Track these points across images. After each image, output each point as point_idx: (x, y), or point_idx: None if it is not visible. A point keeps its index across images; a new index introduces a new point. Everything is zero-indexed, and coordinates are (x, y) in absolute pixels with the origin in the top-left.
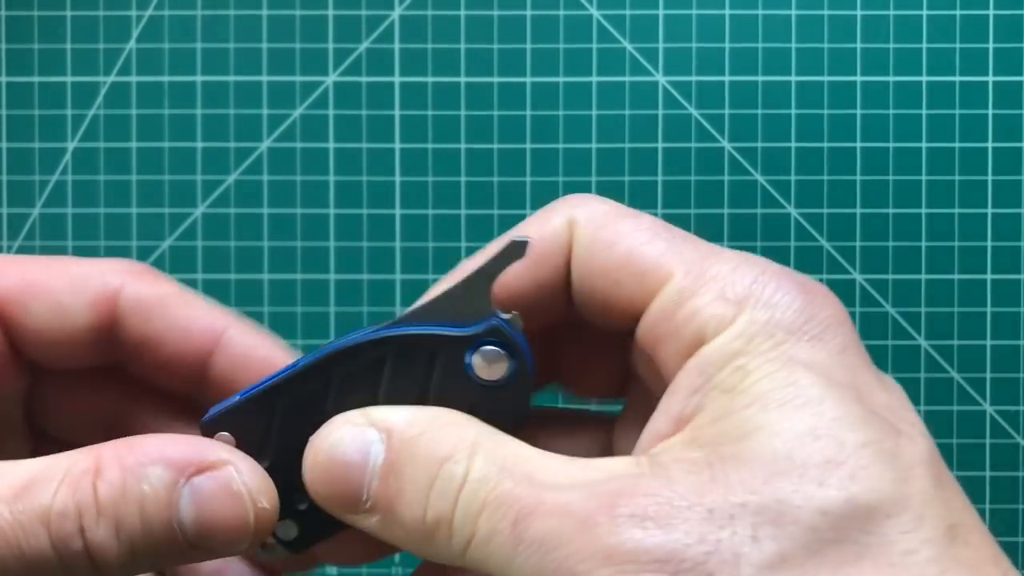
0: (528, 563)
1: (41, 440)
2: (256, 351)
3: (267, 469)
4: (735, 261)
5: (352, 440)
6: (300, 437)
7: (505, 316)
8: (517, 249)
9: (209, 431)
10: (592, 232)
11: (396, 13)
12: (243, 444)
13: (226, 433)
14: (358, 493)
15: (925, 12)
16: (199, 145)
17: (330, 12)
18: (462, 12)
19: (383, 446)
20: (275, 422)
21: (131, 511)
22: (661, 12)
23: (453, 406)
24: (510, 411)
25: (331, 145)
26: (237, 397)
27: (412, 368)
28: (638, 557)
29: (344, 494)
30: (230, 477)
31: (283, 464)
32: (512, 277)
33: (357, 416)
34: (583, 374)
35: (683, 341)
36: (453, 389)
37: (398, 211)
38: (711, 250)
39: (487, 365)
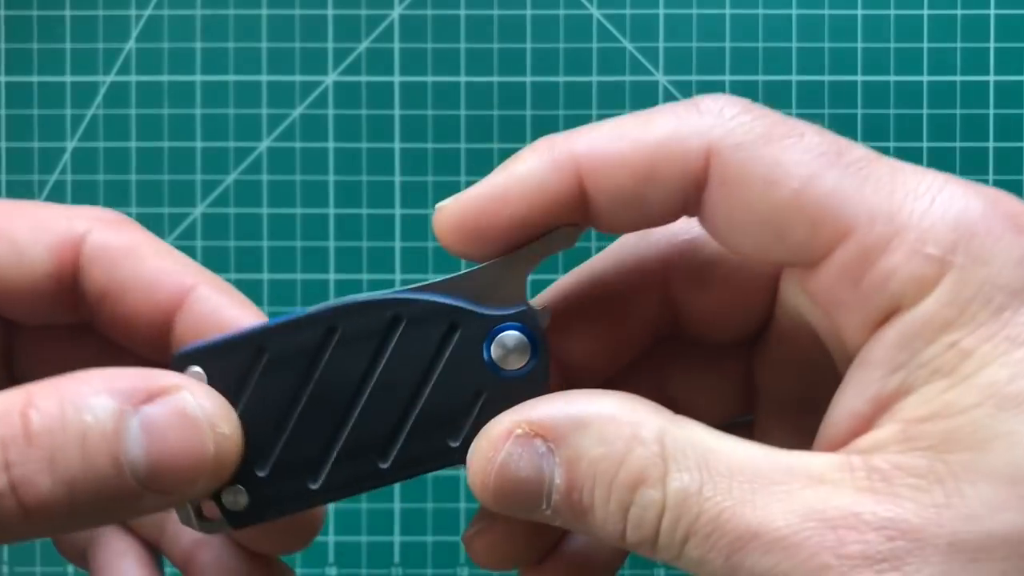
0: None
1: None
2: (225, 310)
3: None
4: (929, 196)
5: (520, 455)
6: (283, 392)
7: (534, 305)
8: (566, 237)
9: (181, 365)
10: (744, 163)
11: (396, 12)
12: (215, 385)
13: (198, 369)
14: (536, 505)
15: (926, 12)
16: (198, 145)
17: (330, 12)
18: (462, 11)
19: (558, 463)
20: (258, 369)
21: (69, 443)
22: (661, 11)
23: (458, 387)
24: (519, 402)
25: (331, 145)
26: (221, 336)
27: (425, 338)
28: None
29: (520, 508)
30: (183, 401)
31: (255, 418)
32: (612, 198)
33: (519, 423)
34: (698, 397)
35: (874, 309)
36: (463, 369)
37: (398, 211)
38: (897, 182)
39: (507, 352)
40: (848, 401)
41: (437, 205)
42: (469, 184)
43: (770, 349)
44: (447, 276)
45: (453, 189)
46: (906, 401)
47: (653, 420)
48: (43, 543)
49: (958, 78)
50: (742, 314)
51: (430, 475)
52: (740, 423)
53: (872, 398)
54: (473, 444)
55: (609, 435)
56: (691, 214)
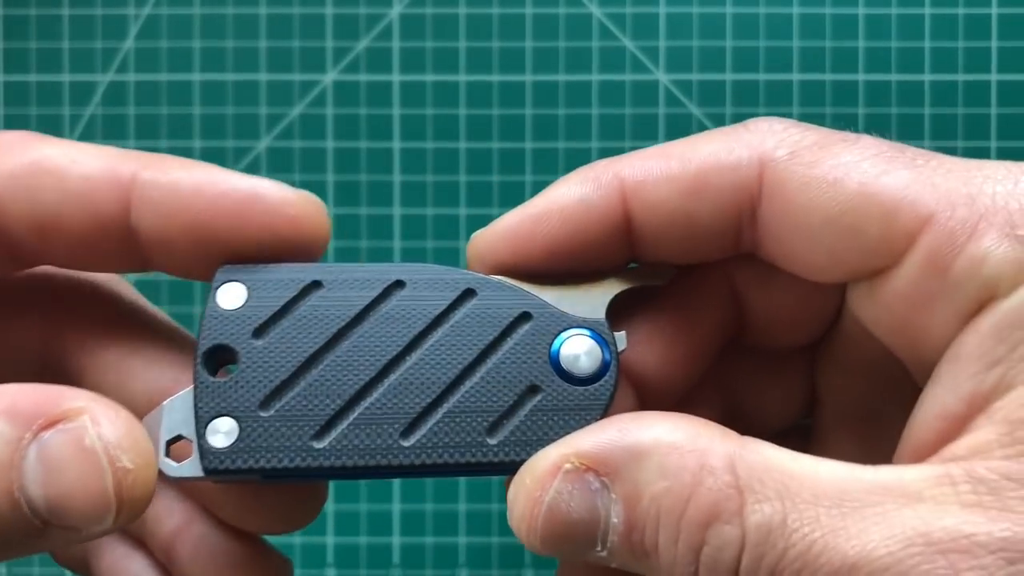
0: None
1: None
2: (183, 184)
3: (260, 347)
4: (1010, 179)
5: (571, 493)
6: (323, 333)
7: (618, 332)
8: (662, 273)
9: (224, 276)
10: (803, 168)
11: (395, 11)
12: (252, 307)
13: (240, 284)
14: (591, 547)
15: (928, 10)
16: (197, 144)
17: (328, 10)
18: (461, 10)
19: (615, 499)
20: (306, 302)
21: None
22: (662, 10)
23: (513, 378)
24: (574, 414)
25: (329, 144)
26: (277, 264)
27: (494, 318)
28: None
29: (572, 551)
30: (82, 429)
31: (281, 352)
32: (661, 219)
33: (567, 457)
34: (760, 400)
35: (966, 298)
36: (524, 361)
37: (397, 210)
38: (971, 169)
39: (576, 355)
40: (938, 401)
41: (473, 235)
42: (468, 184)
43: (834, 354)
44: (532, 281)
45: (452, 189)
46: (1007, 398)
47: (720, 446)
48: None
49: (960, 77)
50: (807, 318)
51: None
52: (796, 426)
53: (967, 396)
54: (514, 482)
55: (672, 466)
56: (744, 242)
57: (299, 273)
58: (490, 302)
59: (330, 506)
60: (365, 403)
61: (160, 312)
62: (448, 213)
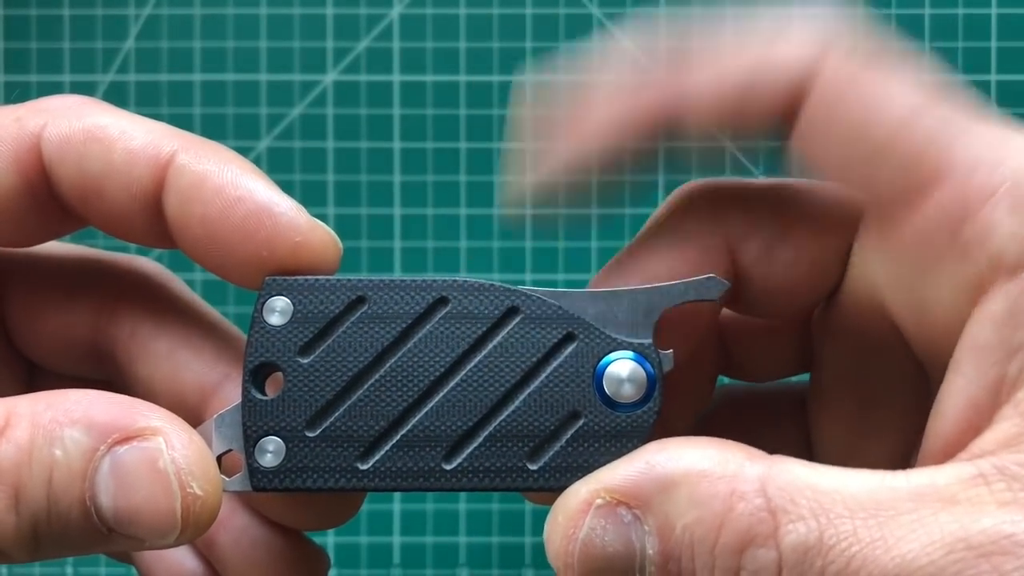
0: None
1: (32, 370)
2: (212, 178)
3: (306, 365)
4: None
5: (605, 528)
6: (367, 352)
7: (664, 352)
8: (713, 288)
9: (270, 290)
10: (847, 87)
11: (395, 12)
12: (297, 322)
13: (285, 299)
14: None
15: (927, 11)
16: None
17: (329, 11)
18: (461, 11)
19: (648, 531)
20: (350, 320)
21: (36, 480)
22: (662, 10)
23: (556, 403)
24: (615, 441)
25: (330, 144)
26: (323, 276)
27: (537, 339)
28: None
29: None
30: (157, 451)
31: (326, 371)
32: (710, 125)
33: (597, 493)
34: (755, 355)
35: (971, 267)
36: (567, 385)
37: (397, 210)
38: (1001, 136)
39: (620, 380)
40: (963, 391)
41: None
42: (468, 184)
43: (834, 320)
44: (570, 290)
45: (453, 189)
46: None
47: (750, 469)
48: None
49: (960, 77)
50: (808, 290)
51: None
52: (795, 389)
53: (991, 385)
54: (548, 520)
55: (703, 495)
56: (787, 128)
57: (343, 289)
58: (533, 322)
59: None
60: (408, 424)
61: (209, 307)
62: (448, 213)
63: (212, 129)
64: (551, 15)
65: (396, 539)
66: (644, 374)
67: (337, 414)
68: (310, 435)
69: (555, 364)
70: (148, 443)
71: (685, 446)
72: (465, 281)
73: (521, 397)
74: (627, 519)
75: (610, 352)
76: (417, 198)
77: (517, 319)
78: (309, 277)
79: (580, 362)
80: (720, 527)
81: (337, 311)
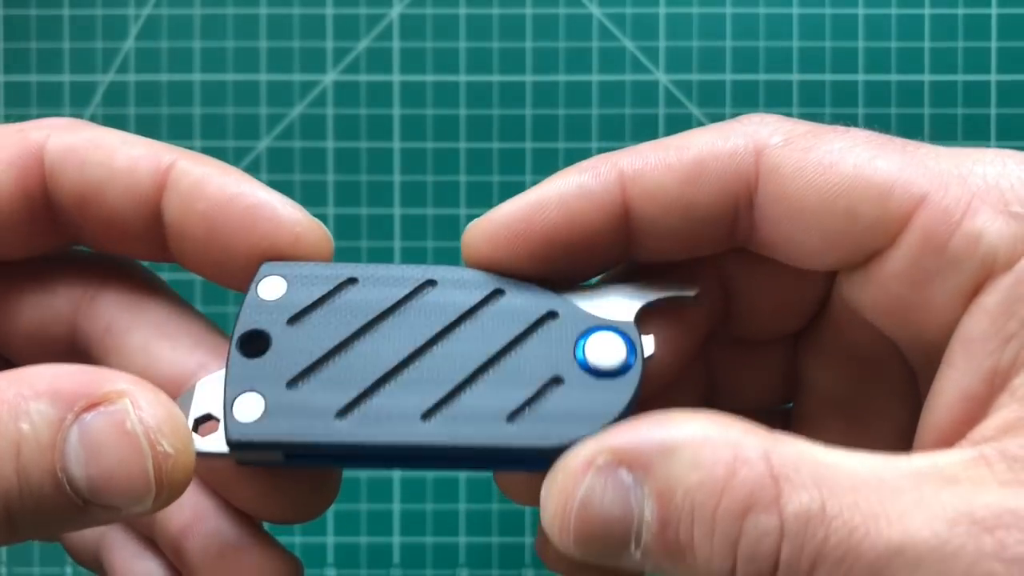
0: None
1: (7, 367)
2: (212, 179)
3: (294, 331)
4: (998, 161)
5: (604, 491)
6: (356, 321)
7: (645, 336)
8: (690, 287)
9: (266, 271)
10: (798, 154)
11: (395, 11)
12: (290, 298)
13: (280, 278)
14: (625, 545)
15: (928, 11)
16: (197, 144)
17: (328, 11)
18: (461, 10)
19: (648, 495)
20: (343, 294)
21: (4, 456)
22: (662, 10)
23: (537, 368)
24: (596, 405)
25: (330, 144)
26: (317, 263)
27: (520, 315)
28: None
29: (606, 551)
30: (124, 412)
31: (313, 335)
32: (659, 207)
33: (599, 452)
34: (740, 382)
35: (965, 274)
36: (548, 353)
37: (397, 210)
38: (960, 154)
39: (603, 350)
40: (957, 383)
41: (468, 225)
42: (468, 184)
43: (819, 342)
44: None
45: (453, 189)
46: None
47: (754, 439)
48: (42, 544)
49: (960, 77)
50: (794, 307)
51: (430, 475)
52: (779, 413)
53: (986, 375)
54: (546, 481)
55: (706, 459)
56: (739, 233)
57: (337, 270)
58: (518, 300)
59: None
60: (388, 387)
61: (184, 301)
62: (448, 213)
63: (212, 129)
64: (551, 15)
65: (396, 539)
66: (624, 345)
67: (320, 375)
68: (291, 391)
69: (538, 337)
70: (115, 406)
71: (690, 415)
72: (458, 268)
73: (502, 364)
74: (627, 481)
75: (593, 328)
76: (417, 198)
77: (502, 298)
78: (306, 262)
79: (562, 334)
80: (722, 492)
81: (329, 288)
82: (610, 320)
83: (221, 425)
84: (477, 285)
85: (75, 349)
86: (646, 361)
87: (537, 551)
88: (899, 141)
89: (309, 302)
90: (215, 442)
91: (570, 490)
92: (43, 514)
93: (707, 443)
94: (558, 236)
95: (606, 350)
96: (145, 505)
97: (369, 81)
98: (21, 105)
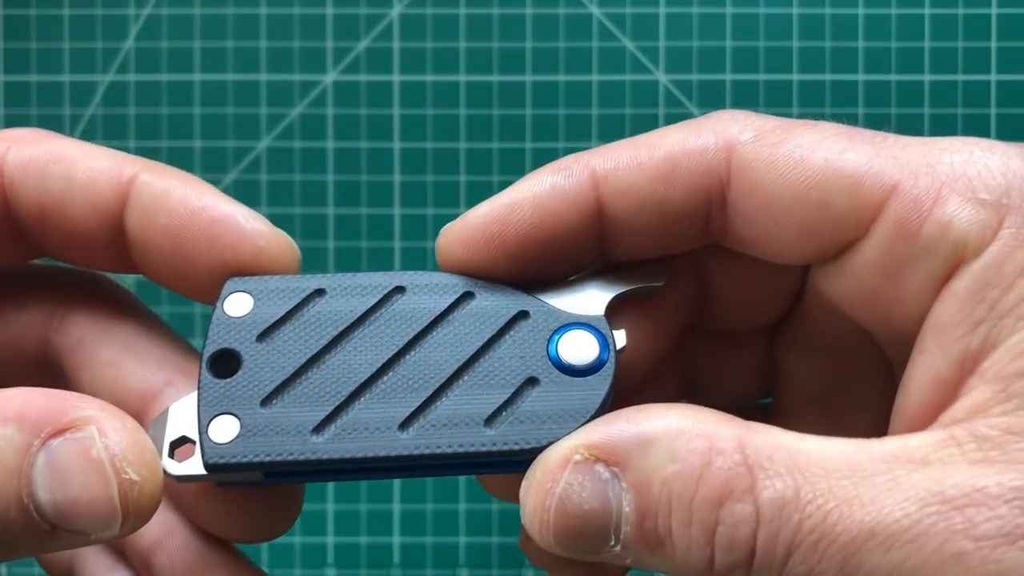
0: None
1: None
2: (175, 192)
3: (264, 349)
4: (965, 149)
5: (582, 487)
6: (326, 334)
7: (617, 331)
8: (658, 275)
9: (232, 287)
10: (768, 149)
11: (395, 11)
12: (257, 314)
13: (246, 294)
14: (605, 540)
15: (928, 11)
16: (197, 144)
17: (328, 11)
18: (461, 10)
19: (626, 488)
20: (311, 307)
21: None
22: (662, 10)
23: (512, 370)
24: (572, 404)
25: (330, 144)
26: (282, 276)
27: (492, 317)
28: None
29: (586, 546)
30: (90, 439)
31: (283, 352)
32: (631, 205)
33: (576, 448)
34: (719, 377)
35: (937, 262)
36: (522, 354)
37: (397, 210)
38: (928, 143)
39: (574, 346)
40: (928, 368)
41: (442, 229)
42: (468, 184)
43: (795, 334)
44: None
45: (452, 189)
46: (994, 356)
47: (728, 429)
48: None
49: (960, 77)
50: (770, 300)
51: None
52: (758, 407)
53: (956, 360)
54: (525, 478)
55: (681, 450)
56: (713, 230)
57: (303, 282)
58: (488, 302)
59: (330, 506)
60: (363, 399)
61: (154, 315)
62: (448, 213)
63: (212, 129)
64: (551, 15)
65: (396, 539)
66: (596, 341)
67: (293, 392)
68: (265, 411)
69: (510, 338)
70: (81, 433)
71: (664, 409)
72: (426, 272)
73: (477, 369)
74: (604, 476)
75: (564, 326)
76: (417, 198)
77: (472, 301)
78: (271, 276)
79: (535, 334)
80: (698, 482)
81: (296, 302)
82: (581, 316)
83: (198, 448)
84: (446, 289)
85: (46, 361)
86: (619, 354)
87: (521, 547)
88: (868, 133)
89: (277, 317)
90: (193, 465)
91: (548, 487)
92: (9, 538)
93: (682, 435)
94: (533, 237)
95: (579, 348)
96: (112, 531)
97: (369, 81)
98: (21, 105)
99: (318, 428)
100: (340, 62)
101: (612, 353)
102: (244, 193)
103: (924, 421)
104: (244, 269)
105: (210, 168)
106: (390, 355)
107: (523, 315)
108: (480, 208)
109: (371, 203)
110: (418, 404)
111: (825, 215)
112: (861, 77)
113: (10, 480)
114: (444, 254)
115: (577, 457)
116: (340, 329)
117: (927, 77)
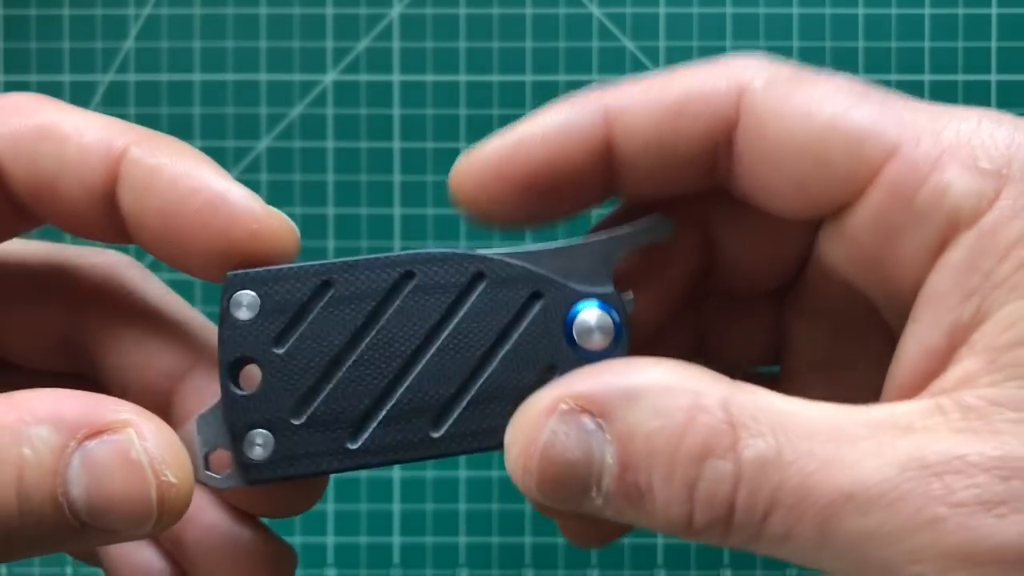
0: (840, 562)
1: (2, 367)
2: (165, 170)
3: (282, 355)
4: (974, 118)
5: (567, 436)
6: (342, 334)
7: (625, 295)
8: (660, 228)
9: (234, 285)
10: (778, 98)
11: (395, 11)
12: (266, 314)
13: (251, 292)
14: (587, 491)
15: (928, 11)
16: (197, 144)
17: (328, 10)
18: (461, 10)
19: (609, 440)
20: (319, 304)
21: (6, 479)
22: (662, 10)
23: (531, 359)
24: None
25: (330, 144)
26: (285, 265)
27: (505, 301)
28: (1005, 556)
29: (568, 496)
30: (128, 442)
31: (303, 358)
32: (641, 142)
33: (562, 398)
34: (729, 341)
35: (931, 228)
36: (539, 341)
37: (397, 210)
38: (937, 110)
39: (590, 330)
40: (919, 339)
41: (456, 163)
42: None
43: (802, 300)
44: (529, 247)
45: None
46: (985, 327)
47: (714, 387)
48: None
49: (960, 77)
50: (777, 262)
51: (429, 475)
52: (766, 375)
53: (947, 330)
54: (511, 425)
55: (666, 405)
56: (719, 173)
57: (307, 274)
58: (500, 285)
59: (330, 506)
60: (393, 398)
61: (178, 297)
62: (448, 213)
63: (212, 129)
64: (551, 15)
65: (396, 539)
66: (611, 320)
67: (320, 398)
68: (296, 423)
69: (526, 323)
70: (119, 436)
71: (651, 363)
72: (428, 253)
73: (498, 358)
74: (589, 427)
75: (575, 303)
76: (417, 198)
77: (483, 284)
78: (271, 267)
79: (549, 317)
80: (681, 437)
81: (305, 298)
82: (591, 291)
83: (231, 460)
84: (455, 271)
85: (71, 346)
86: (628, 319)
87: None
88: (880, 92)
89: (288, 318)
90: (233, 478)
91: (533, 434)
92: (40, 536)
93: (667, 390)
94: (542, 172)
95: (594, 329)
96: (143, 530)
97: (369, 81)
98: None
99: (352, 435)
100: (340, 62)
101: (625, 330)
102: None
103: (914, 390)
104: (241, 253)
105: None
106: (411, 351)
107: (536, 296)
108: (491, 144)
109: (371, 203)
110: (446, 399)
111: (823, 172)
112: (861, 77)
113: (45, 479)
114: (457, 189)
115: (563, 406)
116: (356, 327)
117: (927, 77)
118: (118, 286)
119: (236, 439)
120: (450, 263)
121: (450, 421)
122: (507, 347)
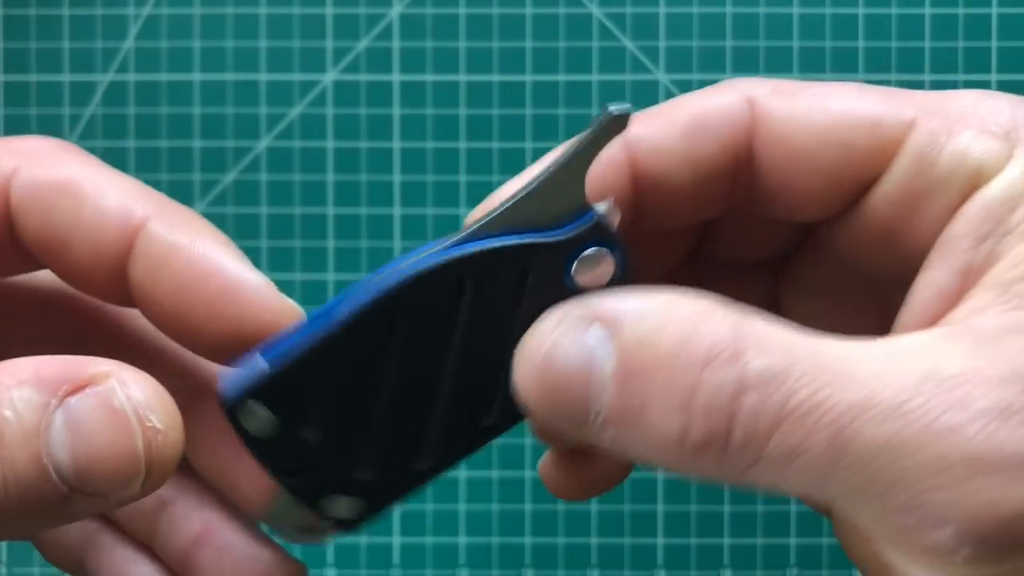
0: (852, 480)
1: None
2: (182, 252)
3: (320, 444)
4: (972, 95)
5: (571, 342)
6: (363, 388)
7: (601, 208)
8: (616, 123)
9: (237, 407)
10: (788, 100)
11: (395, 11)
12: (282, 417)
13: (262, 408)
14: (585, 406)
15: (928, 11)
16: (196, 144)
17: (328, 10)
18: (461, 10)
19: (612, 347)
20: (327, 378)
21: None
22: (662, 10)
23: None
24: None
25: (329, 144)
26: (264, 360)
27: (499, 289)
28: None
29: (567, 410)
30: (110, 392)
31: (340, 425)
32: (666, 164)
33: (574, 308)
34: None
35: (954, 189)
36: (549, 303)
37: (397, 210)
38: (937, 92)
39: (591, 270)
40: (932, 280)
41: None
42: (468, 184)
43: (798, 273)
44: (497, 202)
45: (452, 189)
46: (996, 267)
47: (725, 310)
48: None
49: (960, 77)
50: (775, 229)
51: None
52: None
53: (960, 271)
54: (521, 342)
55: (674, 317)
56: (740, 185)
57: (302, 360)
58: (486, 282)
59: None
60: (439, 413)
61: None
62: (448, 213)
63: (212, 129)
64: (551, 15)
65: (396, 539)
66: (605, 250)
67: (375, 449)
68: (368, 478)
69: (527, 302)
70: (101, 386)
71: (667, 288)
72: (403, 283)
73: (517, 335)
74: (593, 339)
75: (567, 255)
76: (417, 198)
77: (468, 290)
78: (256, 369)
79: (547, 282)
80: (683, 344)
81: (312, 382)
82: (576, 235)
83: (323, 533)
84: (438, 290)
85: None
86: (620, 234)
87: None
88: (879, 87)
89: (303, 410)
90: (328, 528)
91: (539, 347)
92: (27, 506)
93: (678, 304)
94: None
95: (596, 268)
96: (133, 488)
97: (369, 81)
98: (21, 105)
99: (420, 459)
100: (340, 62)
101: (620, 251)
102: (244, 193)
103: (924, 326)
104: (251, 340)
105: (210, 168)
106: (435, 373)
107: (526, 270)
108: (508, 190)
109: (371, 203)
110: (488, 393)
111: (848, 154)
112: (861, 77)
113: (28, 441)
114: None
115: (572, 317)
116: (373, 382)
117: (927, 77)
118: (121, 332)
119: (324, 519)
120: (428, 285)
121: (498, 405)
122: (522, 322)
